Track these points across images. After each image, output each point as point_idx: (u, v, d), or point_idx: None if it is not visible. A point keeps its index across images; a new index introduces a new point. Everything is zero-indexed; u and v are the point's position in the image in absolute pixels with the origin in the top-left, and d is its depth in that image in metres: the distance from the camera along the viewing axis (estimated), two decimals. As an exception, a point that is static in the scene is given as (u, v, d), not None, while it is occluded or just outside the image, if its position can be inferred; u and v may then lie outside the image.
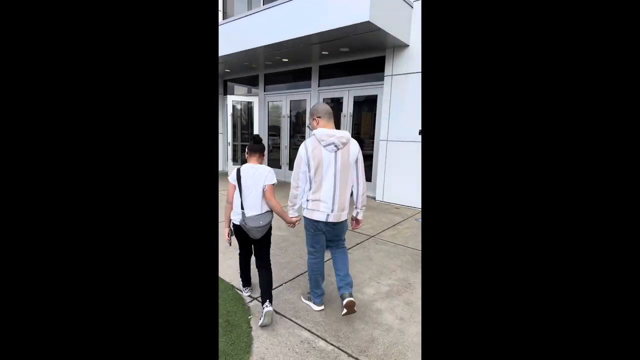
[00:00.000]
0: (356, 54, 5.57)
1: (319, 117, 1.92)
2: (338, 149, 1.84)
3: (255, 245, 2.07)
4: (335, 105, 6.26)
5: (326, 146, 1.83)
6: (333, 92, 6.15)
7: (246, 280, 2.30)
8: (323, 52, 5.55)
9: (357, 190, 2.00)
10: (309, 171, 1.86)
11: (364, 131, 5.95)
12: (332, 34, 4.51)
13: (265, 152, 2.09)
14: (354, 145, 1.93)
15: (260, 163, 2.02)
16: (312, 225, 1.96)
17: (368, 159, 5.81)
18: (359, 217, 2.10)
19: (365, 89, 5.68)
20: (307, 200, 1.93)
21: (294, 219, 2.01)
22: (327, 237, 2.03)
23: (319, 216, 1.91)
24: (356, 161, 1.94)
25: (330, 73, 6.25)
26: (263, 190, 1.93)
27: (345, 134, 1.87)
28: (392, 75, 5.09)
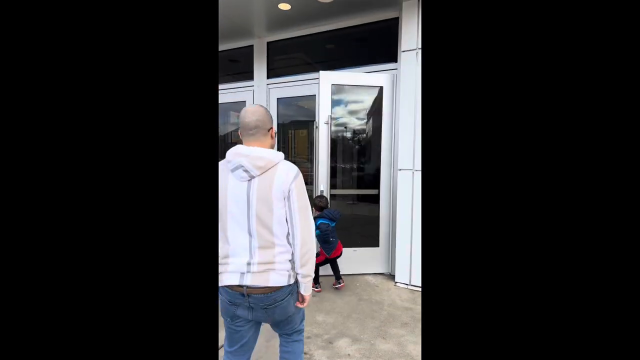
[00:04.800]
0: (346, 14, 3.06)
1: (241, 133, 1.16)
2: (252, 177, 1.06)
3: None
4: (304, 105, 3.63)
5: (234, 170, 1.06)
6: (295, 87, 3.50)
7: None
8: (280, 5, 2.90)
9: (293, 240, 1.11)
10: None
11: (366, 155, 3.39)
12: None
13: None
14: (285, 171, 1.08)
15: None
16: (225, 303, 1.12)
17: (373, 202, 3.21)
18: (302, 290, 1.16)
19: (359, 75, 3.18)
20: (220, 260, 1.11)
21: None
22: (253, 326, 1.19)
23: (230, 280, 1.07)
24: (287, 196, 1.07)
25: (288, 53, 3.63)
26: None
27: (266, 153, 1.07)
28: (417, 49, 2.70)
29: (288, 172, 1.08)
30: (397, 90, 2.97)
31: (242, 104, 3.82)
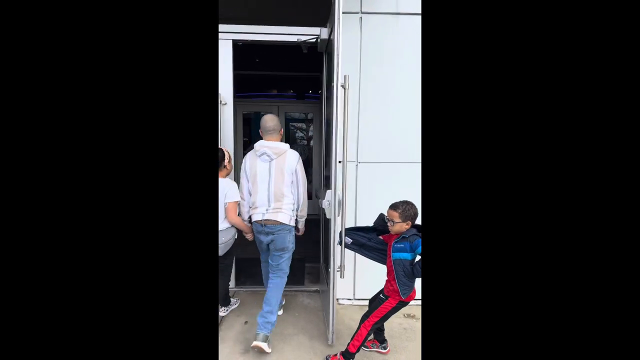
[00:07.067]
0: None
1: (262, 133, 1.99)
2: (272, 159, 1.92)
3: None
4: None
5: (260, 156, 1.92)
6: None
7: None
8: None
9: (296, 196, 1.99)
10: (248, 182, 1.99)
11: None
12: None
13: (227, 162, 2.04)
14: (292, 156, 1.95)
15: (223, 177, 2.00)
16: (256, 232, 2.03)
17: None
18: (299, 225, 2.07)
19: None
20: (250, 208, 2.02)
21: (247, 228, 2.07)
22: (268, 248, 2.01)
23: (256, 217, 1.95)
24: (294, 172, 1.95)
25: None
26: (225, 208, 1.95)
27: (280, 145, 1.94)
28: (359, 13, 2.17)
29: (294, 157, 1.98)
30: (331, 63, 2.39)
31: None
